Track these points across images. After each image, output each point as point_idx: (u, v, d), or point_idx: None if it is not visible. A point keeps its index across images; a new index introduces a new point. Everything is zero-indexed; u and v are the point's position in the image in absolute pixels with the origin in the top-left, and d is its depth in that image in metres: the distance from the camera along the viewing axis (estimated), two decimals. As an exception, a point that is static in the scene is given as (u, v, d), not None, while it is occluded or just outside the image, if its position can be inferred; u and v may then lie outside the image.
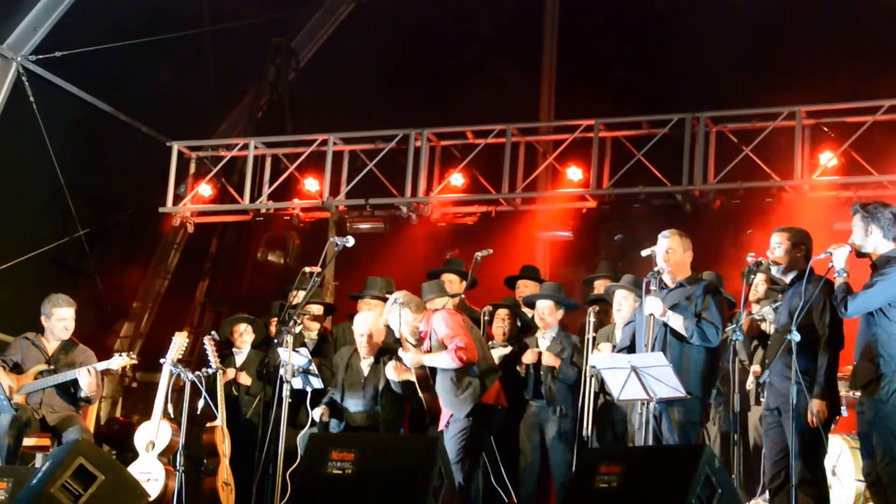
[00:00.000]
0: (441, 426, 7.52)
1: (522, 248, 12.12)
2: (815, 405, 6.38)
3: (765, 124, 11.42)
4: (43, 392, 8.58)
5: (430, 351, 7.57)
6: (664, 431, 6.95)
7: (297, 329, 7.68)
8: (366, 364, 8.46)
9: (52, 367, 8.68)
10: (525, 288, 9.52)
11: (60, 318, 8.77)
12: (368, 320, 8.48)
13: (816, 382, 6.41)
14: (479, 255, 8.90)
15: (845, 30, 11.80)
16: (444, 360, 7.42)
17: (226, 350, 9.71)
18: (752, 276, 6.95)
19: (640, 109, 12.14)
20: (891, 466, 6.20)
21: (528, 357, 8.50)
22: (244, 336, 9.66)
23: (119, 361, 8.64)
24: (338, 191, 12.81)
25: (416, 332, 7.67)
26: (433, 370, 7.59)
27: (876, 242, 6.42)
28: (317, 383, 7.81)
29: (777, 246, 6.76)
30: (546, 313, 8.68)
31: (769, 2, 12.15)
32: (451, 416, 7.46)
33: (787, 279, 6.79)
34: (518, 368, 8.56)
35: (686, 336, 6.99)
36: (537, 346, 8.64)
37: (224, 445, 8.90)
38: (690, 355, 7.02)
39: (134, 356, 8.84)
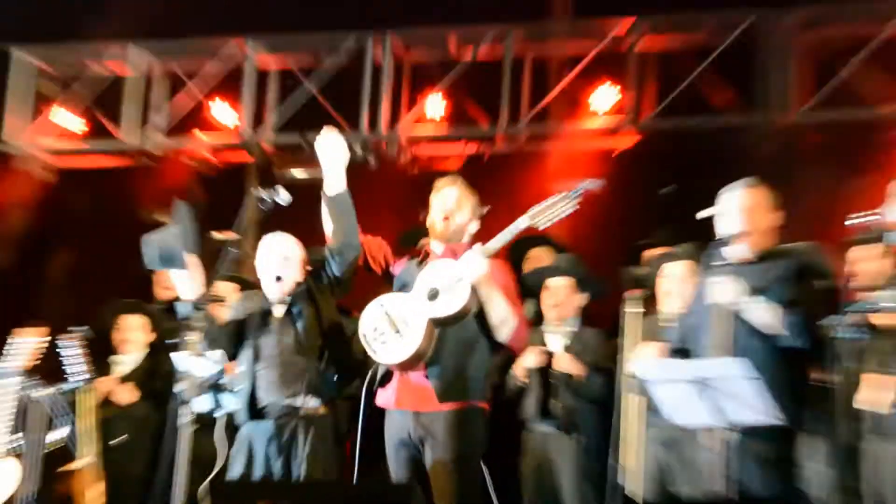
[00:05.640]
0: (420, 407, 7.23)
1: (528, 205, 12.04)
2: None
3: (876, 28, 11.40)
4: None
5: None
6: (743, 472, 6.81)
7: (201, 322, 7.41)
8: (280, 311, 7.86)
9: None
10: (536, 260, 9.43)
11: None
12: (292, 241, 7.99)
13: None
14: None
15: None
16: (511, 321, 7.27)
17: (102, 353, 9.55)
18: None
19: (695, 4, 12.07)
20: None
21: (532, 360, 8.43)
22: (132, 333, 9.56)
23: None
24: (261, 122, 12.85)
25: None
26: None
27: None
28: (232, 403, 7.63)
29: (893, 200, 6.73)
30: (561, 297, 8.67)
31: None
32: (456, 406, 7.17)
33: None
34: (512, 376, 8.49)
35: (778, 332, 6.88)
36: (544, 344, 8.60)
37: (94, 494, 8.76)
38: (777, 362, 6.90)
39: None
